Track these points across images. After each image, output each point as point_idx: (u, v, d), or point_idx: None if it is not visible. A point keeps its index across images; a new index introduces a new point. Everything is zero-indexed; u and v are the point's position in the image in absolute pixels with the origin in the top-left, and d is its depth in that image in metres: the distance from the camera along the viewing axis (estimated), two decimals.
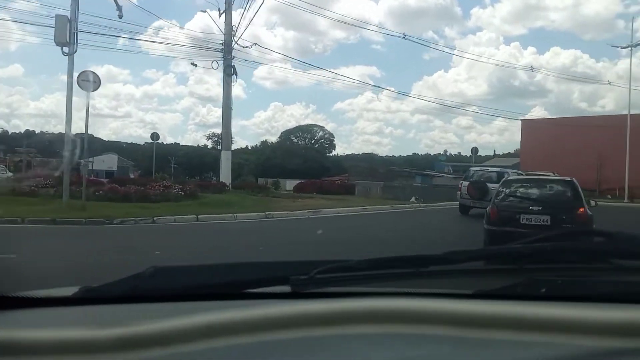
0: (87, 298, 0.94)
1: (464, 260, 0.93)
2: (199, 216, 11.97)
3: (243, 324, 0.70)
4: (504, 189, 7.81)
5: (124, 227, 10.68)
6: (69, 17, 12.90)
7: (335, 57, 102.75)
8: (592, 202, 7.91)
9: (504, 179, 9.75)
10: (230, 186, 19.89)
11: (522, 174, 12.73)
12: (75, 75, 12.70)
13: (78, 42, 13.13)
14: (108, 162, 39.24)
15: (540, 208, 7.09)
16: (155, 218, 11.38)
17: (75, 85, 12.60)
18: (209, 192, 17.37)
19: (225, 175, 20.91)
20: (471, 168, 17.68)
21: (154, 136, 25.18)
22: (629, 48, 30.48)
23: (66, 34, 12.77)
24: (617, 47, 35.91)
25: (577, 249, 0.99)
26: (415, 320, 0.73)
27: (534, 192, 7.66)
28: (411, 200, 21.39)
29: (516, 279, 0.91)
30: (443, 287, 0.94)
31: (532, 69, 50.10)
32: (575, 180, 7.63)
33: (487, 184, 14.34)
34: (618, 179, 29.84)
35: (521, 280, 0.90)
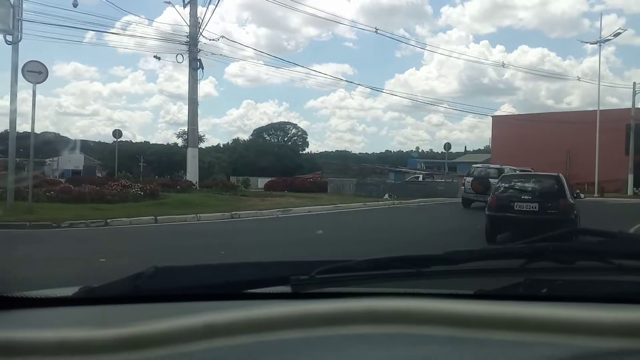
0: (87, 298, 0.93)
1: (465, 261, 0.91)
2: (158, 217, 11.11)
3: (244, 324, 0.70)
4: (502, 183, 9.34)
5: (73, 230, 9.74)
6: (12, 2, 11.81)
7: (308, 55, 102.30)
8: (582, 195, 10.01)
9: (502, 174, 11.58)
10: (197, 185, 19.02)
11: (515, 170, 15.23)
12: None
13: (42, 35, 12.06)
14: (74, 161, 37.70)
15: (530, 197, 8.54)
16: (108, 220, 10.44)
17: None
18: (173, 191, 16.46)
19: (192, 173, 20.01)
20: (473, 165, 19.06)
21: (117, 133, 23.89)
22: (598, 44, 30.91)
23: (9, 21, 11.68)
24: (587, 42, 36.51)
25: (578, 249, 0.95)
26: (416, 320, 0.72)
27: (527, 185, 9.07)
28: (385, 197, 21.04)
29: (517, 279, 0.90)
30: (444, 288, 0.93)
31: (503, 65, 50.71)
32: (560, 176, 9.06)
33: (489, 179, 15.95)
34: (586, 174, 30.24)
35: (522, 280, 0.89)
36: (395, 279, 0.94)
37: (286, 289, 0.89)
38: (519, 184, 9.15)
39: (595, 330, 0.67)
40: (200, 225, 11.15)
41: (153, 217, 11.09)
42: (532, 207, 8.33)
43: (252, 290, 0.94)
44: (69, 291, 0.95)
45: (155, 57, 21.92)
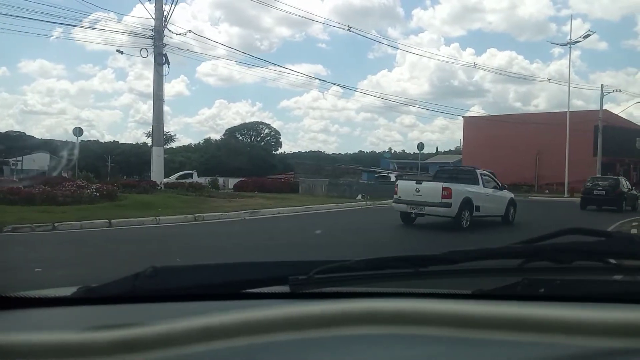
0: (86, 298, 0.93)
1: (463, 260, 0.90)
2: (113, 220, 10.29)
3: (243, 325, 0.69)
4: (588, 182, 20.24)
5: (16, 235, 8.86)
6: None
7: (281, 55, 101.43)
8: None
9: (589, 177, 21.49)
10: (162, 185, 18.16)
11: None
12: None
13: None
14: (39, 161, 36.44)
15: (601, 187, 19.41)
16: (56, 224, 9.59)
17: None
18: (135, 191, 15.57)
19: (157, 173, 19.15)
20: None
21: (77, 131, 22.57)
22: (568, 45, 31.35)
23: None
24: (557, 44, 37.11)
25: (576, 248, 0.93)
26: (414, 320, 0.72)
27: (601, 182, 20.09)
28: (357, 197, 20.65)
29: (515, 278, 0.90)
30: (442, 287, 0.94)
31: (475, 65, 51.35)
32: (620, 178, 20.78)
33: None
34: (555, 174, 30.69)
35: (520, 280, 0.90)
36: (393, 279, 0.94)
37: (285, 289, 0.89)
38: (595, 181, 20.12)
39: (593, 330, 0.67)
40: (158, 228, 10.36)
41: (107, 220, 10.25)
42: (602, 192, 18.96)
43: (250, 290, 0.94)
44: (67, 291, 0.94)
45: (118, 51, 21.09)
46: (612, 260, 0.91)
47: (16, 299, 0.90)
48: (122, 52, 21.11)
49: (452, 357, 0.68)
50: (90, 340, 0.66)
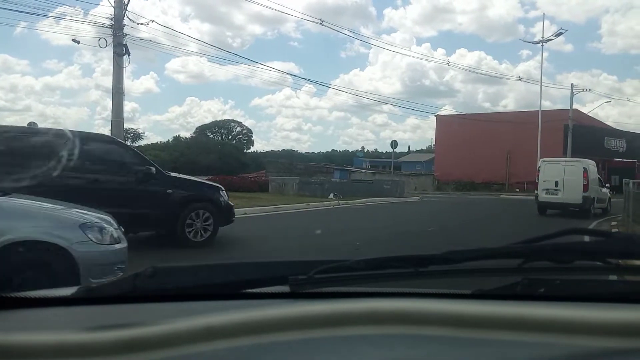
0: (86, 298, 0.94)
1: (463, 260, 0.91)
2: None
3: (243, 325, 0.70)
4: None
5: None
6: None
7: (253, 53, 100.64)
8: None
9: None
10: None
11: None
12: None
13: None
14: None
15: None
16: None
17: None
18: None
19: None
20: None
21: (31, 126, 21.19)
22: (540, 43, 31.49)
23: None
24: (529, 42, 37.28)
25: (576, 248, 0.93)
26: (414, 320, 0.72)
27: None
28: (330, 196, 20.04)
29: (515, 278, 0.90)
30: (442, 287, 0.94)
31: (448, 62, 51.73)
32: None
33: None
34: (526, 173, 30.75)
35: (520, 280, 0.90)
36: (393, 279, 0.94)
37: (285, 288, 0.89)
38: None
39: (593, 330, 0.67)
40: None
41: None
42: None
43: (250, 290, 0.94)
44: (67, 291, 0.95)
45: (73, 40, 19.72)
46: (612, 260, 0.91)
47: (16, 299, 0.90)
48: (78, 42, 19.77)
49: (453, 356, 0.68)
50: (90, 340, 0.66)
